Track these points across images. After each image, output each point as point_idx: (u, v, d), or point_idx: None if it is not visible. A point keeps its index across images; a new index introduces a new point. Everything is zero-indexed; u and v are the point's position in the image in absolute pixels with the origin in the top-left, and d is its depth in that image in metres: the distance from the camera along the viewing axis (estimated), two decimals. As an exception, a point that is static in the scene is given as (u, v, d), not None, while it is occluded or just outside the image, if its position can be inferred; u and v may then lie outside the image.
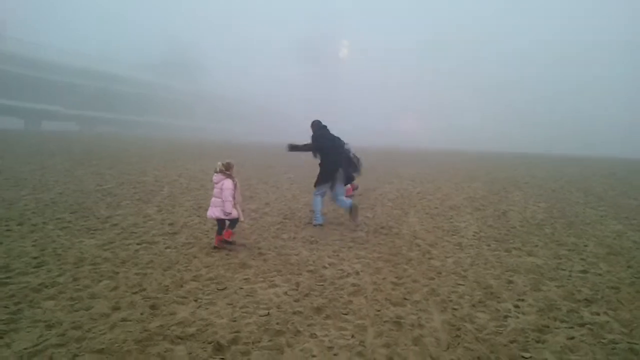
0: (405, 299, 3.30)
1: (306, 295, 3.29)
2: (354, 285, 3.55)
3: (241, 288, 3.38)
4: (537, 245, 5.17)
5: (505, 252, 4.84)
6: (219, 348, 2.43)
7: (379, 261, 4.28)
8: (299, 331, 2.68)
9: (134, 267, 3.76)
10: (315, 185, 5.91)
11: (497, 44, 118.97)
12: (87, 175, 10.04)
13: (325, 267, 4.00)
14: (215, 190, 4.42)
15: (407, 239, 5.30)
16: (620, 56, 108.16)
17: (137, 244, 4.53)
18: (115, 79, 68.30)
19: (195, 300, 3.10)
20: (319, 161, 5.85)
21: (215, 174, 4.46)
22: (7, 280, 3.30)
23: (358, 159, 6.12)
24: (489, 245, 5.10)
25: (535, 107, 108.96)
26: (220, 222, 4.46)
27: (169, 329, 2.62)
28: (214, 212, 4.40)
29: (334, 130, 5.99)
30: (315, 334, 2.66)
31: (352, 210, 5.74)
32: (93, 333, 2.54)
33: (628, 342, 2.69)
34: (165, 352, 2.37)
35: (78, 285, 3.29)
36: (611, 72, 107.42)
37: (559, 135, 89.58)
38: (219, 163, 4.48)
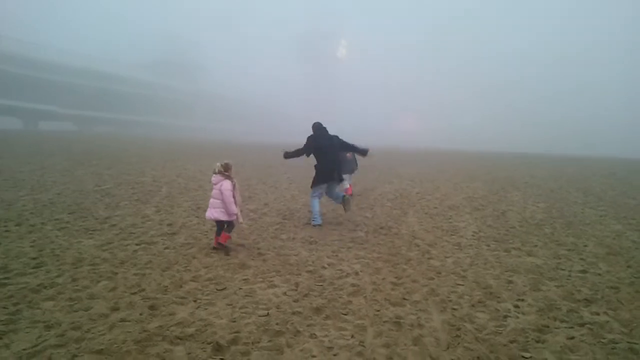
0: (404, 299, 3.30)
1: (305, 295, 3.28)
2: (353, 285, 3.55)
3: (240, 288, 3.38)
4: (536, 245, 5.17)
5: (504, 252, 4.83)
6: (218, 348, 2.42)
7: (378, 261, 4.28)
8: (298, 331, 2.68)
9: (132, 268, 3.75)
10: (311, 187, 5.91)
11: (497, 44, 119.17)
12: (85, 175, 10.03)
13: (324, 268, 4.00)
14: (215, 192, 4.38)
15: (407, 239, 5.30)
16: (620, 56, 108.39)
17: (136, 244, 4.52)
18: (115, 78, 68.33)
19: (195, 301, 3.09)
20: (315, 163, 5.88)
21: (214, 175, 4.42)
22: (6, 281, 3.29)
23: (356, 148, 6.05)
24: (488, 245, 5.10)
25: (535, 107, 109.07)
26: (219, 223, 4.45)
27: (168, 330, 2.62)
28: (213, 213, 4.36)
29: (333, 130, 5.98)
30: (314, 334, 2.65)
31: (344, 201, 5.82)
32: (92, 334, 2.53)
33: (628, 342, 2.69)
34: (164, 352, 2.36)
35: (77, 285, 3.28)
36: (611, 72, 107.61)
37: (558, 135, 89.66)
38: (218, 164, 4.43)
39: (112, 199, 7.15)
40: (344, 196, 5.84)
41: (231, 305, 3.04)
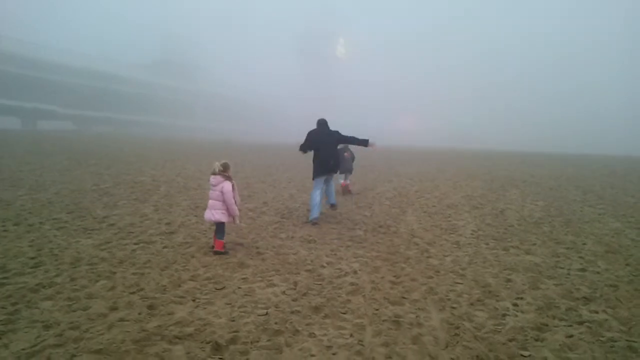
0: (403, 297, 3.30)
1: (304, 294, 3.28)
2: (352, 284, 3.55)
3: (239, 287, 3.37)
4: (535, 244, 5.17)
5: (503, 250, 4.84)
6: (217, 348, 2.42)
7: (377, 260, 4.28)
8: (297, 330, 2.67)
9: (131, 267, 3.75)
10: (313, 178, 6.08)
11: (497, 44, 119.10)
12: (84, 175, 10.01)
13: (323, 266, 4.00)
14: (215, 193, 4.28)
15: (405, 237, 5.30)
16: (620, 56, 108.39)
17: (135, 243, 4.52)
18: (115, 78, 68.19)
19: (193, 300, 3.09)
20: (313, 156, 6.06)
21: (213, 176, 4.32)
22: (4, 281, 3.28)
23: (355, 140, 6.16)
24: (487, 244, 5.10)
25: (535, 107, 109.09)
26: (219, 224, 4.40)
27: (167, 329, 2.62)
28: (213, 214, 4.25)
29: (333, 129, 6.09)
30: (313, 333, 2.65)
31: (333, 207, 6.42)
32: (91, 333, 2.53)
33: (627, 340, 2.69)
34: (163, 352, 2.36)
35: (75, 285, 3.27)
36: (611, 72, 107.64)
37: (558, 135, 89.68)
38: (217, 164, 4.34)
39: (111, 198, 7.15)
40: (334, 204, 6.37)
41: (230, 304, 3.04)
